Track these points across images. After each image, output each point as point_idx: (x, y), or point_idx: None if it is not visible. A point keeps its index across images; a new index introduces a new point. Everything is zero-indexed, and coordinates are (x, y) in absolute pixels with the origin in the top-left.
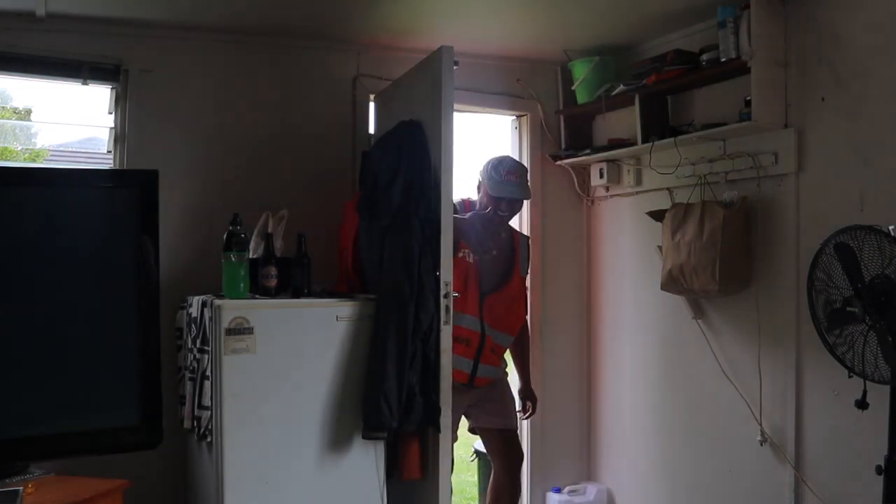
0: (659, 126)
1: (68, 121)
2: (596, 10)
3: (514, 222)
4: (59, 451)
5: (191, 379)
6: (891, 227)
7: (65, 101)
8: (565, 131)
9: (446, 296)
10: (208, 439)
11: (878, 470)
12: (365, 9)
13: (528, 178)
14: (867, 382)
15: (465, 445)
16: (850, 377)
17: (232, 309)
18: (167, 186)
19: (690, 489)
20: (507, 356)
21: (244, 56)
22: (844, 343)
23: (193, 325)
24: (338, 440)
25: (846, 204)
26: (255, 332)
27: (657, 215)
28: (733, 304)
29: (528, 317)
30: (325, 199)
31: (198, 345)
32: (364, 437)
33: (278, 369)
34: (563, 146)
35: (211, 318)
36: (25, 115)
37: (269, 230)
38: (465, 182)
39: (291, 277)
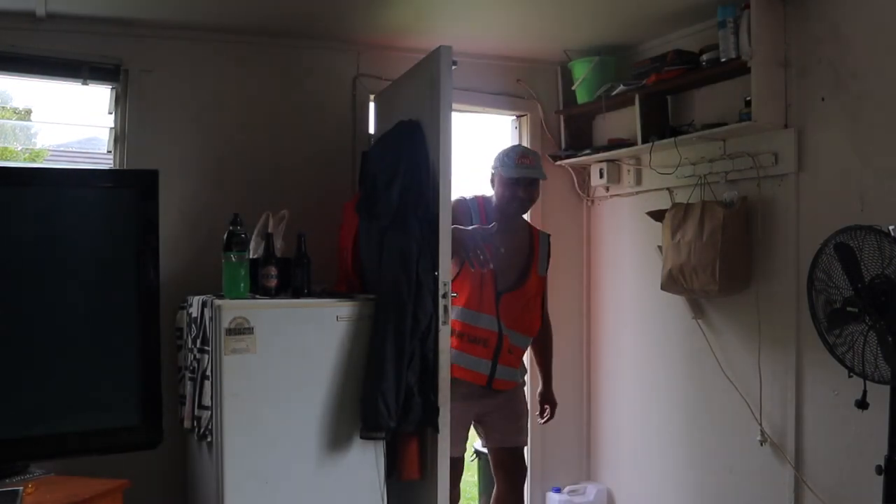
0: (659, 126)
1: (68, 121)
2: (596, 10)
3: None
4: (59, 451)
5: (191, 379)
6: (891, 227)
7: (65, 101)
8: (565, 131)
9: (444, 296)
10: (208, 439)
11: (878, 470)
12: (365, 9)
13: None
14: (867, 382)
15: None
16: (850, 377)
17: (232, 309)
18: (167, 186)
19: (690, 489)
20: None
21: (244, 56)
22: (844, 343)
23: (193, 325)
24: (338, 440)
25: (846, 204)
26: (255, 332)
27: (657, 215)
28: (733, 304)
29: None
30: (325, 200)
31: (198, 345)
32: (362, 438)
33: (278, 369)
34: (563, 146)
35: (211, 318)
36: (25, 115)
37: (270, 230)
38: (464, 182)
39: (291, 277)
